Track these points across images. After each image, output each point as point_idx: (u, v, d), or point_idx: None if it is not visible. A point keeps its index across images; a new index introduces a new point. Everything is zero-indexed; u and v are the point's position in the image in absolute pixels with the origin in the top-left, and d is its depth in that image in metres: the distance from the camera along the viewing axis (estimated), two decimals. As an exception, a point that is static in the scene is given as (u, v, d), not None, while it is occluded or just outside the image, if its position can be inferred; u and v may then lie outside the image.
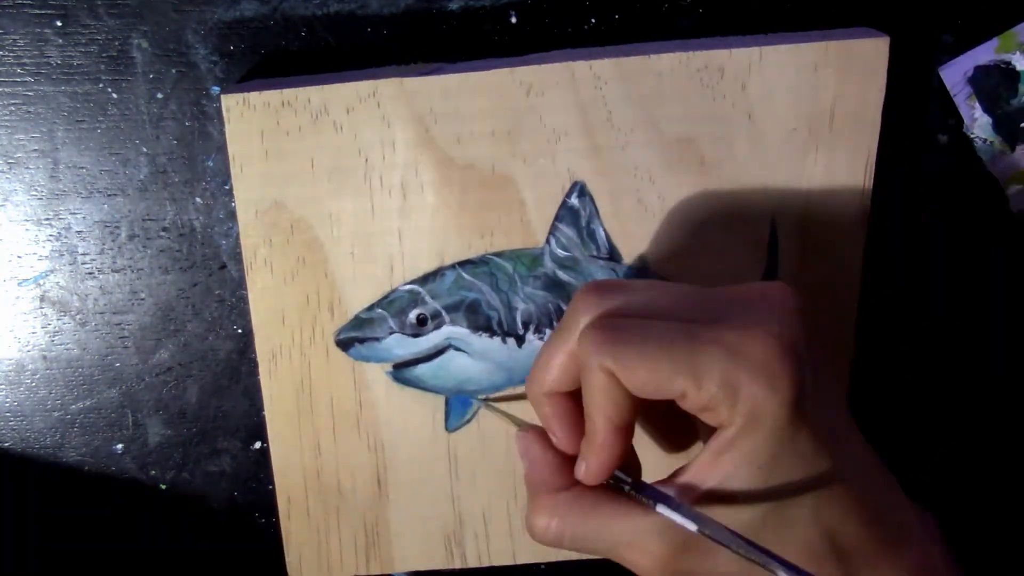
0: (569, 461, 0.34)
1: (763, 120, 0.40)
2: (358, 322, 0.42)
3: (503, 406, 0.43)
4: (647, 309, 0.32)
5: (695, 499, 0.31)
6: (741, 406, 0.30)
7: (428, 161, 0.40)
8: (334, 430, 0.43)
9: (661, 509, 0.31)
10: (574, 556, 0.45)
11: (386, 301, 0.41)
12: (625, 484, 0.33)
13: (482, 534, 0.45)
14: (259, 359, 0.42)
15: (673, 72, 0.39)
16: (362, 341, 0.42)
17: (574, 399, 0.33)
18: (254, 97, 0.39)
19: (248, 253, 0.41)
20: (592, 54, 0.39)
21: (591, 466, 0.33)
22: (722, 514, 0.30)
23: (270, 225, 0.41)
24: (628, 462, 0.35)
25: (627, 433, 0.32)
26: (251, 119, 0.39)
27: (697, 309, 0.32)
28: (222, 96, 0.39)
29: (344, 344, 0.42)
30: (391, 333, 0.42)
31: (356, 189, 0.40)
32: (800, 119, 0.40)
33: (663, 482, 0.32)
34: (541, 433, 0.35)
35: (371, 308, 0.42)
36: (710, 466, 0.31)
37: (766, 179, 0.40)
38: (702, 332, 0.30)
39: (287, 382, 0.43)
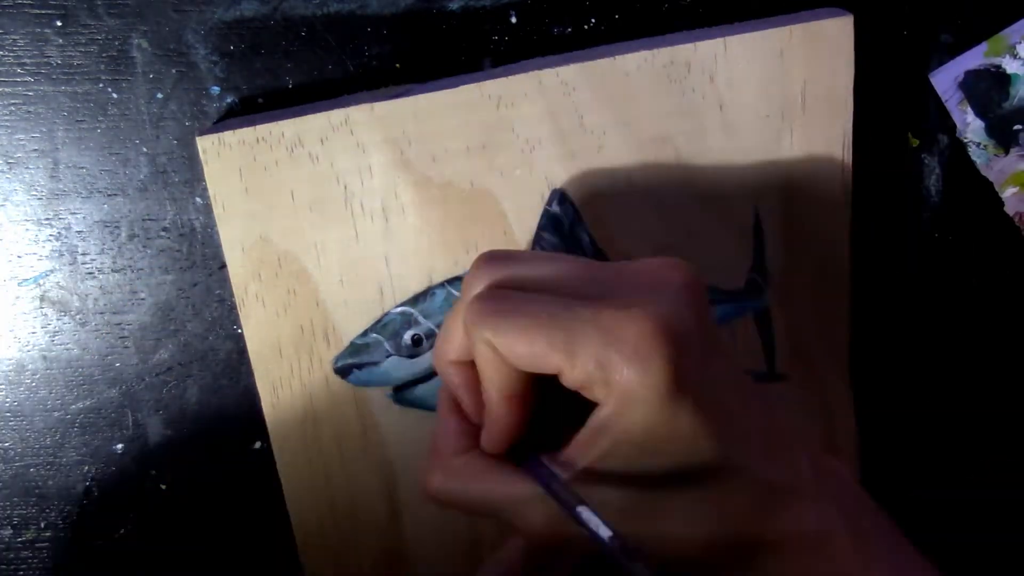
0: (474, 427, 0.34)
1: (735, 110, 0.40)
2: (354, 348, 0.42)
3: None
4: (537, 282, 0.32)
5: (572, 476, 0.31)
6: (614, 387, 0.29)
7: (406, 183, 0.40)
8: (341, 457, 0.43)
9: (540, 486, 0.31)
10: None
11: (380, 325, 0.42)
12: (518, 454, 0.33)
13: (499, 548, 0.45)
14: (260, 393, 0.42)
15: (640, 71, 0.39)
16: (360, 367, 0.42)
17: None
18: (228, 136, 0.39)
19: (239, 290, 0.41)
20: (558, 61, 0.40)
21: (489, 434, 0.33)
22: (596, 493, 0.30)
23: (257, 260, 0.41)
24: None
25: (519, 404, 0.32)
26: (228, 158, 0.40)
27: (586, 285, 0.31)
28: (197, 138, 0.39)
29: (343, 371, 0.42)
30: (388, 356, 0.42)
31: (338, 217, 0.41)
32: (772, 105, 0.40)
33: (554, 453, 0.32)
34: (452, 397, 0.35)
35: (366, 334, 0.42)
36: (587, 444, 0.31)
37: (744, 168, 0.40)
38: (581, 310, 0.30)
39: (290, 413, 0.43)
